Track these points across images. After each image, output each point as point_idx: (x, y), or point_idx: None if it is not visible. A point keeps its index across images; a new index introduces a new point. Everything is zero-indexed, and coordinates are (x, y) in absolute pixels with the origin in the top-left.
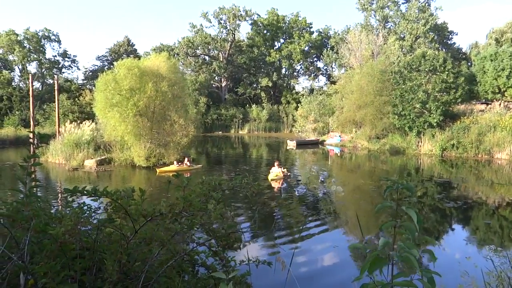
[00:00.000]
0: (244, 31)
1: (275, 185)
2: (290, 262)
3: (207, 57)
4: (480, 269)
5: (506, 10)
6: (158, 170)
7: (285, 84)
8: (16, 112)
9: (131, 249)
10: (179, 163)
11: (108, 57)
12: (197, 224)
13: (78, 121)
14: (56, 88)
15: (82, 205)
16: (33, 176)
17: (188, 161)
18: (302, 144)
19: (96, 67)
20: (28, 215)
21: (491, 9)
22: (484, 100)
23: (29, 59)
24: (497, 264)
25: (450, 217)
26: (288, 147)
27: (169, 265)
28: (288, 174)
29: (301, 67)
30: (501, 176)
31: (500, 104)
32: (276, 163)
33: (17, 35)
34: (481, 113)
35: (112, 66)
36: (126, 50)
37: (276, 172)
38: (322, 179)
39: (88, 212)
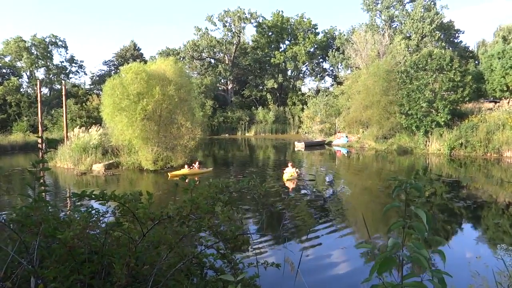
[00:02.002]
0: (249, 33)
1: (290, 185)
2: (299, 264)
3: (212, 60)
4: (491, 269)
5: None
6: (170, 174)
7: (291, 86)
8: (25, 118)
9: (139, 253)
10: (190, 167)
11: (115, 62)
12: (205, 226)
13: (86, 126)
14: (63, 93)
15: (90, 209)
16: (41, 181)
17: (198, 164)
18: (310, 146)
19: (103, 72)
20: (37, 220)
21: (498, 7)
22: (492, 99)
23: (37, 65)
24: (508, 264)
25: (459, 217)
26: (296, 149)
27: (177, 268)
28: (302, 174)
29: (306, 68)
30: (511, 174)
31: (508, 102)
32: (289, 164)
33: (25, 41)
34: (489, 112)
35: (118, 70)
36: (132, 54)
37: (290, 172)
38: (330, 180)
39: (96, 216)
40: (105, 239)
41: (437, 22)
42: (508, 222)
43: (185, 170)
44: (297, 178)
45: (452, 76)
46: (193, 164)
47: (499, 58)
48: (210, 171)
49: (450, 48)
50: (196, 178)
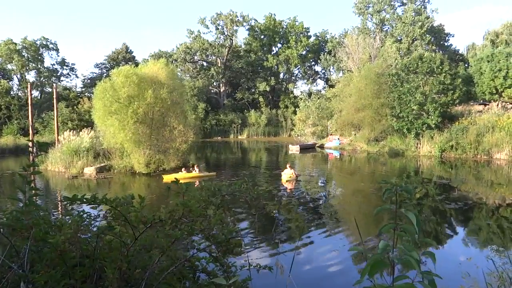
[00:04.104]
0: (242, 36)
1: (288, 185)
2: (291, 267)
3: (205, 63)
4: (481, 270)
5: (502, 12)
6: (164, 176)
7: (283, 89)
8: (15, 121)
9: (131, 257)
10: (188, 170)
11: (107, 65)
12: (197, 230)
13: (77, 129)
14: (54, 96)
15: (81, 213)
16: (32, 184)
17: (197, 168)
18: (304, 149)
19: (95, 74)
20: (28, 224)
21: (488, 11)
22: (481, 101)
23: (27, 68)
24: (498, 265)
25: (450, 218)
26: (290, 152)
27: (169, 271)
28: (299, 175)
29: (299, 71)
30: (501, 176)
31: (497, 105)
32: (288, 165)
33: (16, 44)
34: (479, 114)
35: (110, 73)
36: (124, 57)
37: (289, 173)
38: (322, 183)
39: (87, 220)
40: (96, 243)
41: (428, 26)
42: (498, 223)
43: (182, 174)
44: (296, 179)
45: (442, 79)
46: (195, 167)
47: (488, 62)
48: (213, 175)
49: (441, 51)
50: (197, 182)
